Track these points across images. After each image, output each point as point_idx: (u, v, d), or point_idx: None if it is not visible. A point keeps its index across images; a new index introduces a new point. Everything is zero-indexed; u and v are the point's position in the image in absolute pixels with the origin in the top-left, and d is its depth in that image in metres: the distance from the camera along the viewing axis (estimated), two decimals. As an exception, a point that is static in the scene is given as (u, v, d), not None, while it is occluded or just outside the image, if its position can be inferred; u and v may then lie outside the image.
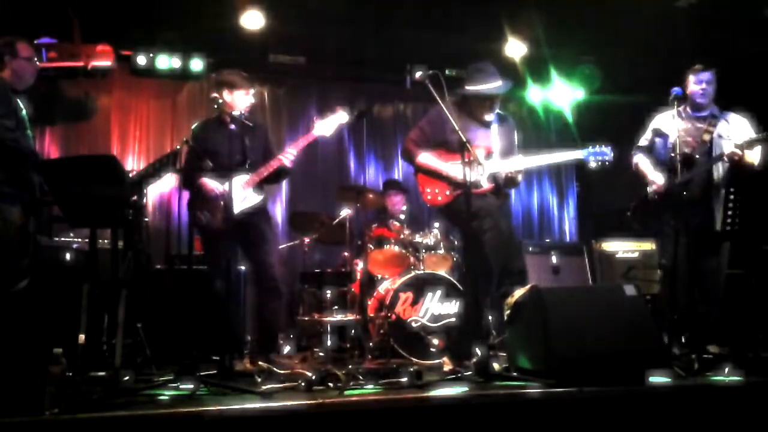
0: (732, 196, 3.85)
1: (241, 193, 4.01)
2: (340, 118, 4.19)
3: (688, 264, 3.89)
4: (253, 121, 4.19)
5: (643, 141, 4.46)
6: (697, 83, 4.22)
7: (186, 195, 4.08)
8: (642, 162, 4.38)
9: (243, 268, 4.83)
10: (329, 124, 4.16)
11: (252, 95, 4.20)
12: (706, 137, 4.17)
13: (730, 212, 3.91)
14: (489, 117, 4.02)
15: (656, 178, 4.23)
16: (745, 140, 4.00)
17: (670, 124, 4.23)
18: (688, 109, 4.30)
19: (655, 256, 5.59)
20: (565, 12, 5.95)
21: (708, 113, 4.25)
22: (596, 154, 3.99)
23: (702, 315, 3.92)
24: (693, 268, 3.89)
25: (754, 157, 4.05)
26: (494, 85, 3.95)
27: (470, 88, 3.96)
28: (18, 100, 3.74)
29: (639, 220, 4.35)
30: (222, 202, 3.96)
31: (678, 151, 3.86)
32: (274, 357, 4.04)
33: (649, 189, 4.30)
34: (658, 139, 4.36)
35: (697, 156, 4.11)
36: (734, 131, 4.18)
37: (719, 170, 4.11)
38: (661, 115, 4.41)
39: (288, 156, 4.09)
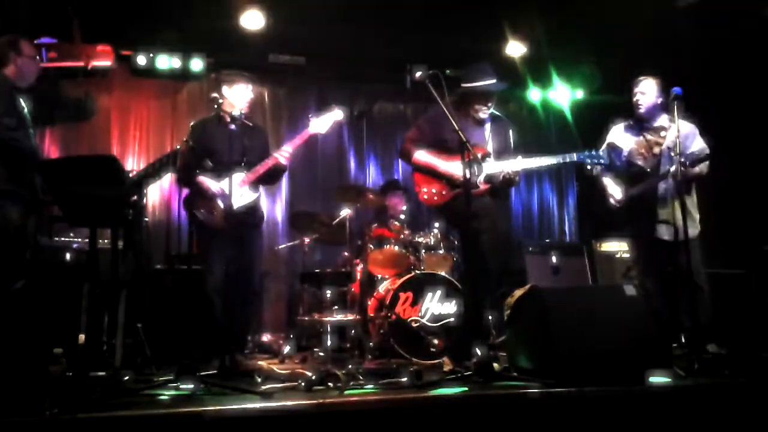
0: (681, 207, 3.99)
1: (237, 190, 4.03)
2: (335, 115, 4.26)
3: (657, 269, 4.12)
4: (253, 123, 4.23)
5: (602, 151, 4.45)
6: (635, 93, 4.30)
7: (184, 193, 4.10)
8: (600, 172, 4.45)
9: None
10: (325, 121, 4.23)
11: (251, 90, 4.25)
12: (656, 150, 4.24)
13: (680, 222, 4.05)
14: (483, 115, 4.03)
15: (615, 192, 4.35)
16: (688, 159, 4.02)
17: (622, 138, 4.38)
18: (635, 120, 4.36)
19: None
20: (565, 12, 5.95)
21: (656, 124, 4.29)
22: (592, 158, 4.00)
23: (694, 316, 3.92)
24: (665, 273, 4.09)
25: (700, 169, 4.13)
26: (489, 82, 3.97)
27: (465, 85, 4.00)
28: (21, 99, 3.75)
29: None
30: (219, 201, 4.00)
31: (632, 163, 4.11)
32: (240, 357, 4.04)
33: (611, 200, 4.40)
34: (613, 152, 4.37)
35: (649, 169, 4.21)
36: (683, 142, 4.16)
37: (669, 183, 4.14)
38: (614, 128, 4.49)
39: (283, 153, 4.14)
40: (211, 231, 4.01)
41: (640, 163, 4.24)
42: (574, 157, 4.00)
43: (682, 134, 4.15)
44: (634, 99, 4.29)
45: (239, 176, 4.04)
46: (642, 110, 4.25)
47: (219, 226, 3.97)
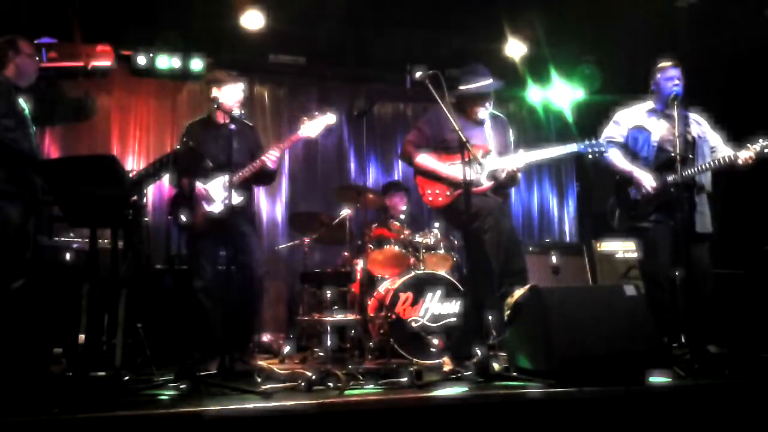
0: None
1: (222, 193, 4.02)
2: (328, 119, 4.19)
3: (678, 264, 3.91)
4: (241, 122, 4.13)
5: (618, 136, 4.28)
6: (670, 79, 4.12)
7: (172, 194, 4.10)
8: (618, 158, 4.22)
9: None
10: (317, 125, 4.16)
11: (241, 89, 4.18)
12: (689, 137, 4.12)
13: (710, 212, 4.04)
14: (482, 115, 4.06)
15: (645, 178, 4.07)
16: (764, 145, 3.92)
17: (648, 122, 4.19)
18: (658, 107, 4.22)
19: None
20: (566, 12, 5.96)
21: (679, 112, 4.07)
22: (591, 146, 3.99)
23: (698, 315, 3.92)
24: (685, 268, 3.90)
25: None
26: (485, 84, 3.99)
27: (462, 88, 4.02)
28: (20, 99, 3.75)
29: (623, 222, 4.26)
30: (203, 203, 4.00)
31: (677, 151, 3.83)
32: (244, 357, 4.04)
33: (633, 189, 4.15)
34: (639, 136, 4.21)
35: (691, 156, 4.08)
36: (705, 131, 4.18)
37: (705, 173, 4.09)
38: (631, 111, 4.31)
39: (270, 157, 4.07)
40: (197, 233, 4.00)
41: (671, 148, 3.95)
42: (575, 147, 3.99)
43: (702, 124, 4.21)
44: (670, 83, 4.09)
45: (225, 178, 4.03)
46: (680, 97, 4.02)
47: (201, 228, 3.96)
